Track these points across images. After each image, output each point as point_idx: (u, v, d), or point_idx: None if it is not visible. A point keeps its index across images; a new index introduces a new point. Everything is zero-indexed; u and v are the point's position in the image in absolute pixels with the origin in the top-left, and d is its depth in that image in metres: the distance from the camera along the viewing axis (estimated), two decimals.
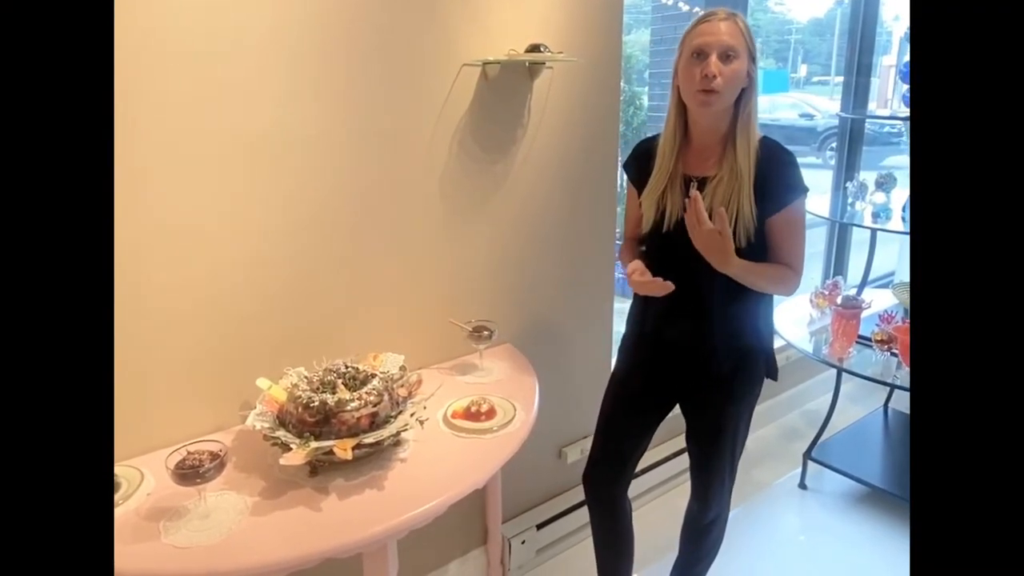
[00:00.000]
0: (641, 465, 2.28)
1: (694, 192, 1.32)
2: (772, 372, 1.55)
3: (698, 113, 1.39)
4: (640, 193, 1.50)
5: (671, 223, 1.42)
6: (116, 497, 1.18)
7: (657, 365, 1.57)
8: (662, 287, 1.35)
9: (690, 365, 1.51)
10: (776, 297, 1.55)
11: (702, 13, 1.37)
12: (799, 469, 2.57)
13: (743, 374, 1.50)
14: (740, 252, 1.36)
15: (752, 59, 1.35)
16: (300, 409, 1.25)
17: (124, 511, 1.15)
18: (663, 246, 1.45)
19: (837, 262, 3.21)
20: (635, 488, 2.28)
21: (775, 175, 1.37)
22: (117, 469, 1.26)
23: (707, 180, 1.40)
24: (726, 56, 1.31)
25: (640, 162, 1.52)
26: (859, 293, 2.62)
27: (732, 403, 1.52)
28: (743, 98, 1.36)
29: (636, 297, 1.58)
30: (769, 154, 1.38)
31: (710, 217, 1.30)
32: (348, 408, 1.25)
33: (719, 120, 1.39)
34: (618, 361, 1.66)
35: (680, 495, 1.71)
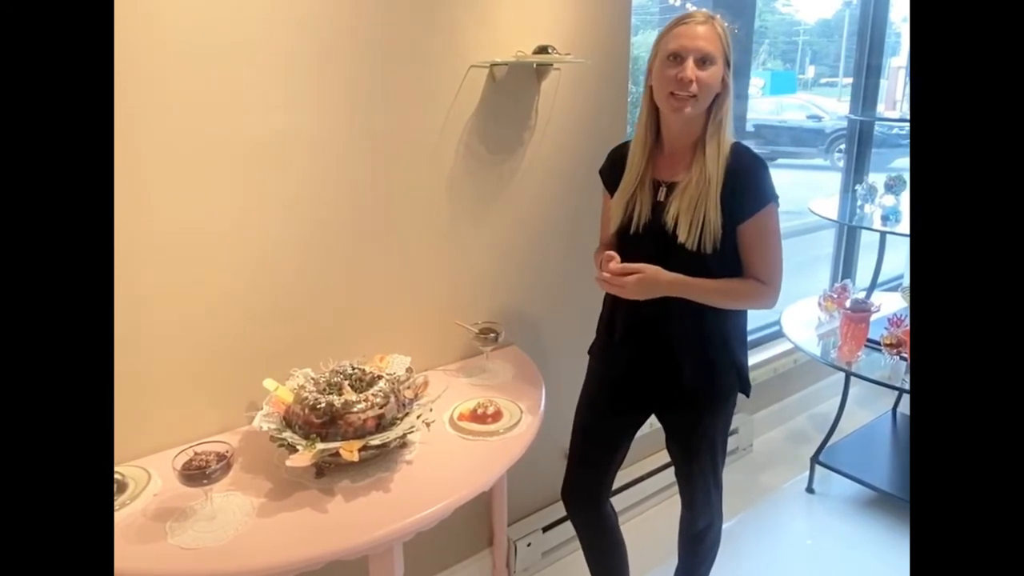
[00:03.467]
0: (638, 473, 2.28)
1: (605, 271, 1.34)
2: (744, 387, 1.50)
3: (671, 117, 1.36)
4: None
5: (639, 225, 1.40)
6: (123, 497, 1.18)
7: (627, 375, 1.52)
8: (620, 283, 1.33)
9: (659, 374, 1.47)
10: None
11: (680, 14, 1.33)
12: (806, 473, 2.55)
13: (713, 386, 1.46)
14: (706, 260, 1.33)
15: (728, 64, 1.32)
16: (306, 410, 1.24)
17: (130, 511, 1.15)
18: (630, 248, 1.40)
19: (846, 265, 3.20)
20: (633, 496, 2.28)
21: (744, 182, 1.32)
22: (124, 469, 1.26)
23: (676, 185, 1.37)
24: (702, 61, 1.29)
25: (615, 167, 1.49)
26: (868, 296, 2.60)
27: (705, 415, 1.48)
28: (716, 103, 1.33)
29: (605, 303, 1.55)
30: (739, 160, 1.34)
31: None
32: (354, 410, 1.24)
33: (691, 125, 1.36)
34: (588, 371, 1.62)
35: (679, 502, 1.69)
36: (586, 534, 1.69)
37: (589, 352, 1.62)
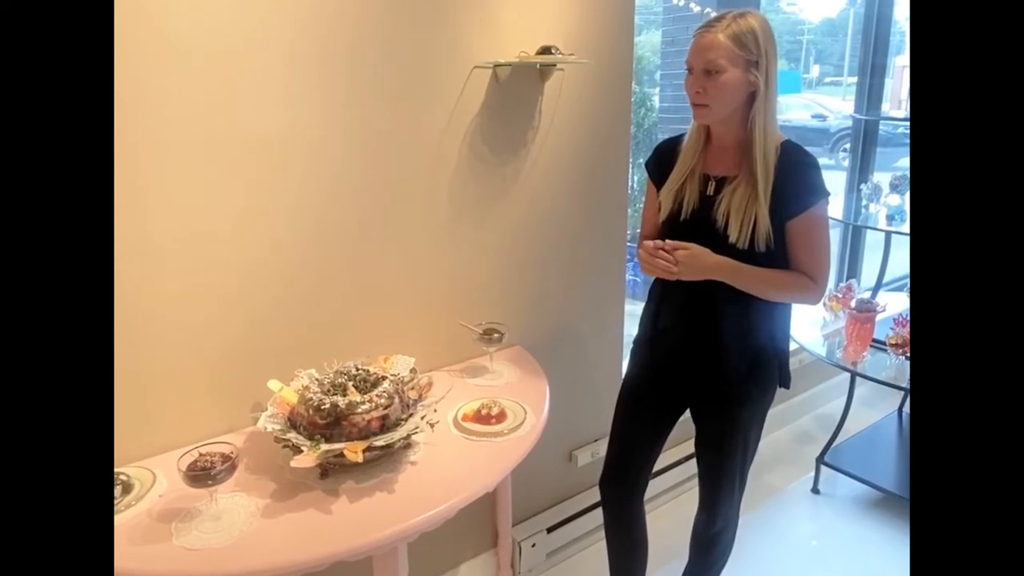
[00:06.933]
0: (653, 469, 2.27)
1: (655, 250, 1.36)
2: (785, 379, 1.53)
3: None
4: (659, 191, 1.51)
5: (688, 212, 1.43)
6: (128, 498, 1.19)
7: (669, 366, 1.55)
8: (665, 267, 1.35)
9: (702, 364, 1.49)
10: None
11: (705, 21, 1.36)
12: (812, 473, 2.55)
13: (756, 377, 1.48)
14: (757, 257, 1.36)
15: (753, 65, 1.31)
16: (311, 411, 1.25)
17: (136, 512, 1.16)
18: (679, 235, 1.43)
19: (851, 265, 3.19)
20: (647, 492, 2.27)
21: (793, 178, 1.35)
22: (129, 470, 1.26)
23: (725, 180, 1.40)
24: (707, 72, 1.31)
25: (662, 160, 1.53)
26: (873, 296, 2.59)
27: (744, 406, 1.50)
28: (754, 102, 1.34)
29: (650, 295, 1.58)
30: (789, 157, 1.36)
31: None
32: (359, 410, 1.24)
33: (728, 125, 1.39)
34: (630, 365, 1.65)
35: (692, 499, 1.69)
36: (614, 529, 1.71)
37: (633, 346, 1.64)
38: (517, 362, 1.78)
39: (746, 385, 1.48)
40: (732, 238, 1.35)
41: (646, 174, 1.59)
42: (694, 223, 1.41)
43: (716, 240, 1.37)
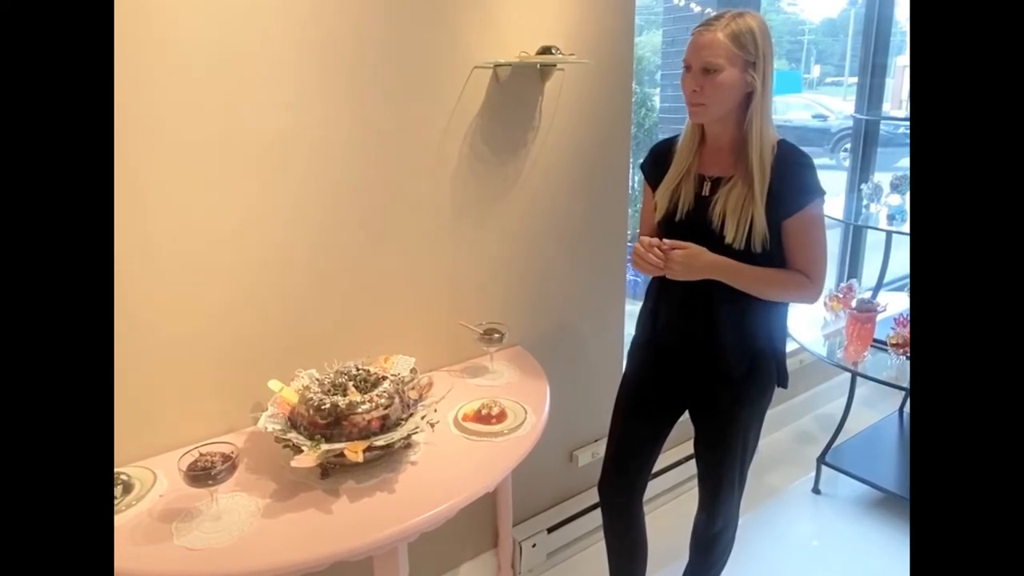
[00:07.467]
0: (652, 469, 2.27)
1: (651, 249, 1.35)
2: (782, 379, 1.53)
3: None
4: (655, 191, 1.51)
5: (683, 212, 1.43)
6: (128, 498, 1.19)
7: (668, 367, 1.56)
8: (655, 263, 1.34)
9: (700, 365, 1.50)
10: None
11: (705, 19, 1.36)
12: (813, 474, 2.55)
13: (754, 377, 1.48)
14: (754, 258, 1.36)
15: (751, 65, 1.31)
16: (311, 411, 1.25)
17: (136, 512, 1.16)
18: (675, 235, 1.43)
19: (851, 265, 3.19)
20: (647, 492, 2.27)
21: (789, 178, 1.35)
22: (130, 470, 1.26)
23: (721, 181, 1.40)
24: (706, 71, 1.31)
25: (658, 162, 1.53)
26: (874, 296, 2.59)
27: (743, 407, 1.50)
28: (750, 103, 1.34)
29: (647, 296, 1.58)
30: (784, 157, 1.36)
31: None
32: (359, 410, 1.25)
33: (724, 125, 1.39)
34: (628, 364, 1.65)
35: (692, 499, 1.69)
36: (614, 530, 1.71)
37: (631, 347, 1.64)
38: (517, 362, 1.78)
39: (745, 385, 1.48)
40: (728, 238, 1.35)
41: (641, 177, 1.59)
42: (690, 223, 1.41)
43: (712, 240, 1.37)
